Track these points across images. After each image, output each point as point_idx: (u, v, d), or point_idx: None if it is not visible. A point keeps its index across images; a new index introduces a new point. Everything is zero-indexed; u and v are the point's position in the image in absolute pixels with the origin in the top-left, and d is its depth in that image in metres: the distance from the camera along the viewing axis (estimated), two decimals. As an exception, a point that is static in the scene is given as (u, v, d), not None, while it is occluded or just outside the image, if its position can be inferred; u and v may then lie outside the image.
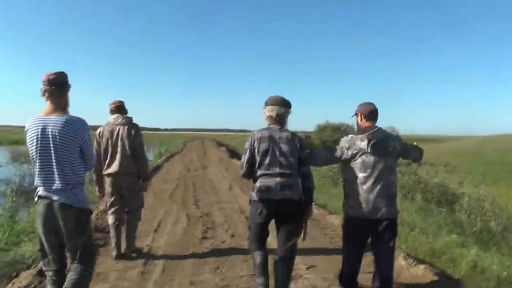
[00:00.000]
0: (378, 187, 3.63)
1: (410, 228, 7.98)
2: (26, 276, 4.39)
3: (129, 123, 5.10)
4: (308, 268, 4.90)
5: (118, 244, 5.09)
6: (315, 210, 7.90)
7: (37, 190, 3.23)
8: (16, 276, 4.57)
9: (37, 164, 3.16)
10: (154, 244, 5.85)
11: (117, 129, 5.03)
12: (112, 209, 5.13)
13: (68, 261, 3.39)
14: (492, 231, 9.15)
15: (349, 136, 3.86)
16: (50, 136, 3.11)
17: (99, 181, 5.22)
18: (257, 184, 3.71)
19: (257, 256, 3.75)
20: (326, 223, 7.53)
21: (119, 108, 5.16)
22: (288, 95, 3.89)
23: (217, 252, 5.52)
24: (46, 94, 3.19)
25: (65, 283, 3.21)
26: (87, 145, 3.28)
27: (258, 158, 3.71)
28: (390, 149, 3.72)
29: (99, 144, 5.04)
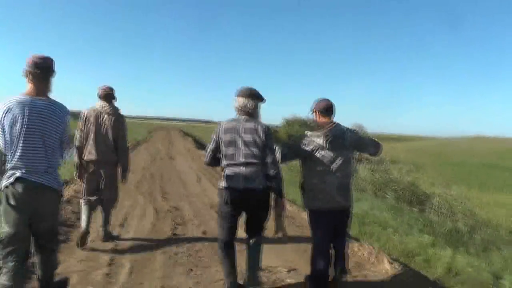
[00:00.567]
0: (336, 179, 3.81)
1: (382, 226, 7.85)
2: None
3: (116, 114, 5.13)
4: (289, 272, 4.61)
5: (88, 221, 5.02)
6: (289, 207, 7.67)
7: (10, 173, 3.08)
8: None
9: (20, 145, 3.07)
10: (120, 241, 5.41)
11: (103, 117, 5.06)
12: (88, 194, 5.11)
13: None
14: (461, 232, 9.13)
15: (308, 133, 3.98)
16: (39, 118, 3.09)
17: (80, 165, 5.14)
18: (224, 173, 3.80)
19: (224, 256, 3.85)
20: (302, 220, 7.21)
21: (108, 96, 5.17)
22: (256, 87, 3.94)
23: (189, 252, 5.13)
24: (30, 76, 3.16)
25: (46, 273, 3.27)
26: (67, 129, 3.33)
27: (223, 149, 3.80)
28: (346, 143, 3.87)
29: (83, 127, 5.05)
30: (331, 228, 3.94)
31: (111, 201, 5.33)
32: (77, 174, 5.18)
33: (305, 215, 7.25)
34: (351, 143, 3.92)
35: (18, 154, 3.07)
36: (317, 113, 4.00)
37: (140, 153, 19.12)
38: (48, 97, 3.23)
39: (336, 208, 3.89)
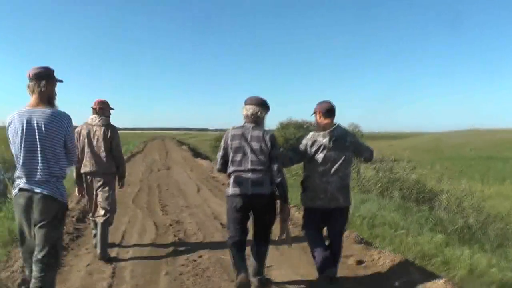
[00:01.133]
0: (336, 179, 4.04)
1: (392, 228, 7.45)
2: None
3: (106, 125, 5.19)
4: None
5: (104, 254, 5.02)
6: (296, 214, 7.38)
7: (16, 183, 3.23)
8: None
9: (21, 155, 3.17)
10: (119, 263, 4.97)
11: (94, 130, 5.14)
12: (92, 208, 5.24)
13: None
14: (472, 228, 8.76)
15: (311, 133, 4.23)
16: (36, 127, 3.12)
17: (79, 179, 5.26)
18: (231, 180, 3.92)
19: (234, 250, 3.97)
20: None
21: (99, 110, 5.25)
22: (249, 93, 4.22)
23: (195, 271, 4.69)
24: (30, 89, 3.24)
25: (35, 284, 3.18)
26: (71, 139, 3.33)
27: (231, 155, 3.93)
28: (348, 144, 4.11)
29: (77, 143, 5.08)
30: (323, 226, 4.26)
31: (110, 213, 5.24)
32: (77, 189, 5.31)
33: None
34: (351, 144, 4.15)
35: (20, 164, 3.18)
36: (320, 114, 4.19)
37: (136, 164, 18.63)
38: (49, 107, 3.25)
39: (337, 208, 4.12)
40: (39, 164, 3.17)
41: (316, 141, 4.10)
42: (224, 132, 4.29)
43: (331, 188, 4.04)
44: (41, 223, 3.18)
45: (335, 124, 4.14)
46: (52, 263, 3.27)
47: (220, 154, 4.09)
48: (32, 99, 3.26)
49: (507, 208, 11.20)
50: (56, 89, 3.42)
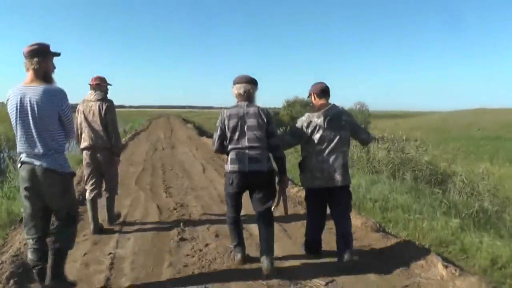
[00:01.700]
0: (333, 158, 4.13)
1: (406, 212, 7.08)
2: None
3: (102, 99, 5.26)
4: (326, 284, 3.79)
5: (95, 219, 5.27)
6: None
7: (20, 156, 3.35)
8: None
9: (18, 131, 3.29)
10: (119, 251, 4.61)
11: (90, 105, 5.23)
12: (90, 183, 5.33)
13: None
14: (487, 212, 8.37)
15: (306, 114, 4.31)
16: (28, 104, 3.21)
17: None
18: (229, 157, 4.01)
19: (233, 229, 4.21)
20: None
21: (96, 85, 5.33)
22: (254, 71, 3.92)
23: (201, 262, 4.31)
24: (25, 65, 3.32)
25: (55, 244, 3.37)
26: (66, 114, 3.36)
27: (228, 134, 3.99)
28: (343, 123, 4.20)
29: (76, 119, 5.13)
30: (325, 205, 4.34)
31: (112, 189, 5.49)
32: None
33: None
34: (347, 123, 4.23)
35: (18, 139, 3.31)
36: (314, 95, 4.35)
37: (140, 143, 18.26)
38: (44, 83, 3.31)
39: (333, 187, 4.18)
40: (35, 140, 3.26)
41: (311, 121, 4.19)
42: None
43: (327, 167, 4.15)
44: (50, 195, 3.32)
45: (329, 104, 4.26)
46: (70, 228, 3.52)
47: (217, 134, 4.12)
48: (28, 75, 3.33)
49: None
50: (54, 63, 3.48)
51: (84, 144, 5.23)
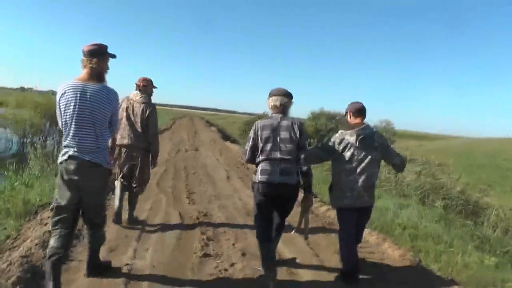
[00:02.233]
0: (363, 178, 4.15)
1: (435, 241, 6.60)
2: None
3: (146, 102, 5.38)
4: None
5: (120, 209, 5.42)
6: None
7: (65, 151, 3.44)
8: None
9: (72, 126, 3.39)
10: (136, 264, 4.23)
11: (134, 105, 5.36)
12: (122, 177, 5.48)
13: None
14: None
15: (339, 132, 4.34)
16: (89, 101, 3.37)
17: (112, 149, 5.05)
18: (259, 168, 3.98)
19: (263, 248, 4.02)
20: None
21: (142, 87, 5.45)
22: (281, 81, 3.69)
23: (225, 283, 3.92)
24: (83, 63, 3.47)
25: (87, 244, 3.76)
26: (116, 114, 3.64)
27: (260, 145, 3.98)
28: (376, 144, 4.22)
29: None
30: (355, 225, 4.30)
31: (139, 186, 5.55)
32: (111, 155, 5.25)
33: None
34: (379, 146, 4.25)
35: (71, 134, 3.40)
36: (350, 114, 4.39)
37: (164, 142, 17.92)
38: (99, 82, 3.48)
39: (362, 206, 4.25)
40: (88, 136, 3.41)
41: (343, 139, 4.22)
42: (253, 116, 4.24)
43: (357, 186, 4.16)
44: (89, 189, 3.47)
45: (364, 124, 4.28)
46: (101, 222, 3.75)
47: (249, 145, 4.11)
48: (83, 73, 3.48)
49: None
50: (109, 64, 3.65)
51: (122, 141, 5.31)
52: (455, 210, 10.37)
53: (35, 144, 11.37)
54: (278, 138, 3.96)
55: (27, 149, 11.97)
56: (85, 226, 3.77)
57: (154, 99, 5.67)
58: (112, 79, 3.72)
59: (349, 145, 4.17)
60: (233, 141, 21.84)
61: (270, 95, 4.18)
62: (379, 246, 5.57)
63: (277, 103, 4.10)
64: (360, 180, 4.15)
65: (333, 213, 6.99)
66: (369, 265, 4.76)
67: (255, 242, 4.20)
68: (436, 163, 12.40)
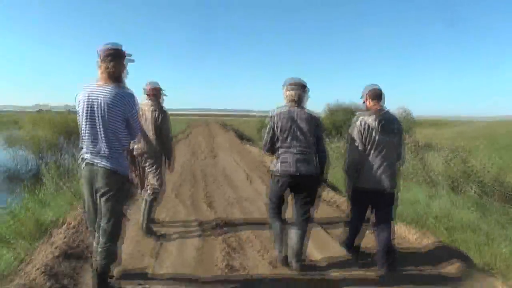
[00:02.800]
0: (385, 163, 4.14)
1: (473, 231, 6.16)
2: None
3: (158, 109, 5.31)
4: None
5: (148, 217, 5.30)
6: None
7: (82, 157, 3.46)
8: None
9: (85, 131, 3.37)
10: (153, 284, 3.81)
11: (146, 113, 5.27)
12: (140, 186, 5.52)
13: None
14: None
15: (359, 117, 4.24)
16: (98, 105, 3.29)
17: (131, 158, 5.31)
18: (278, 159, 4.06)
19: (277, 226, 4.23)
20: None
21: (153, 95, 5.39)
22: (296, 74, 4.17)
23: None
24: (98, 65, 3.38)
25: (97, 262, 3.45)
26: (133, 117, 3.45)
27: (279, 135, 4.02)
28: (396, 130, 4.24)
29: None
30: (367, 206, 4.40)
31: (154, 194, 5.39)
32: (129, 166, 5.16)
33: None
34: (398, 131, 4.27)
35: (85, 138, 3.38)
36: (368, 98, 4.36)
37: (180, 149, 17.56)
38: (115, 84, 3.36)
39: (379, 190, 4.20)
40: (101, 140, 3.33)
41: (364, 123, 4.17)
42: (267, 113, 4.31)
43: (377, 170, 4.17)
44: (106, 196, 3.37)
45: (384, 108, 4.29)
46: (116, 233, 3.50)
47: (269, 135, 4.14)
48: (99, 76, 3.38)
49: None
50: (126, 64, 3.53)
51: (137, 150, 5.29)
52: (492, 197, 9.78)
53: (48, 163, 11.29)
54: (297, 130, 4.01)
55: (43, 168, 11.87)
56: (100, 236, 3.52)
57: (167, 106, 5.54)
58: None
59: (370, 129, 4.15)
60: (252, 143, 21.31)
61: (285, 85, 4.22)
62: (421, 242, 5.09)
63: (295, 97, 4.13)
64: (380, 165, 4.17)
65: (340, 198, 7.35)
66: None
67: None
68: (467, 148, 11.71)
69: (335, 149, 14.47)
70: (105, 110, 3.29)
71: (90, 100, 3.31)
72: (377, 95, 4.32)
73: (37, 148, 18.09)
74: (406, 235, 5.42)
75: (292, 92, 4.14)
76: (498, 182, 10.15)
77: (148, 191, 5.37)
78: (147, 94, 5.42)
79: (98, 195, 3.41)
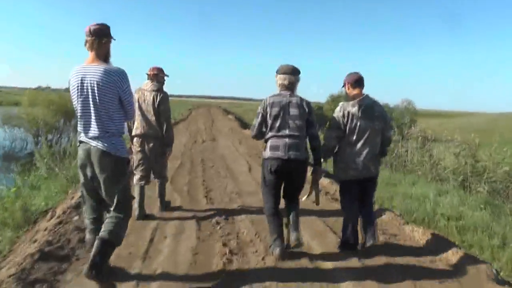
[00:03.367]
0: (367, 149, 4.19)
1: (486, 232, 5.80)
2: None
3: (157, 90, 5.32)
4: None
5: (141, 205, 5.30)
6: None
7: (79, 135, 3.37)
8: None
9: (78, 111, 3.30)
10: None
11: (145, 94, 5.30)
12: (139, 169, 5.37)
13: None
14: None
15: (340, 104, 4.31)
16: (89, 85, 3.22)
17: (132, 138, 5.42)
18: (268, 144, 4.11)
19: (272, 220, 4.17)
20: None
21: (154, 76, 5.41)
22: (298, 64, 4.19)
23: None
24: (87, 44, 3.31)
25: (101, 232, 3.25)
26: (125, 95, 3.36)
27: (269, 121, 4.08)
28: (377, 114, 4.24)
29: None
30: (357, 196, 4.35)
31: (162, 177, 5.53)
32: (129, 148, 5.29)
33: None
34: (380, 115, 4.23)
35: (79, 119, 3.32)
36: (348, 85, 4.33)
37: (179, 134, 17.05)
38: (104, 63, 3.30)
39: (367, 177, 4.27)
40: (93, 121, 3.24)
41: (345, 111, 4.16)
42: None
43: (362, 157, 4.17)
44: (102, 177, 3.27)
45: (364, 94, 4.25)
46: (120, 216, 3.34)
47: (258, 121, 4.19)
48: (90, 55, 3.31)
49: None
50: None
51: (136, 131, 5.30)
52: (503, 194, 9.35)
53: (41, 144, 10.92)
54: (287, 115, 4.03)
55: (38, 148, 11.52)
56: (108, 212, 3.42)
57: (169, 89, 5.53)
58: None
59: (351, 116, 4.15)
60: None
61: (278, 72, 4.23)
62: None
63: (285, 82, 4.15)
64: (365, 151, 4.18)
65: (335, 186, 7.10)
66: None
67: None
68: (477, 142, 11.19)
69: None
70: (96, 90, 3.21)
71: (81, 80, 3.24)
72: (357, 81, 4.30)
73: (33, 127, 17.76)
74: (416, 236, 4.97)
75: (285, 79, 4.16)
76: (509, 181, 9.67)
77: (156, 177, 5.47)
78: (148, 74, 5.44)
79: (92, 175, 3.32)
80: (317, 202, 4.52)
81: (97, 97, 3.23)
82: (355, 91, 4.28)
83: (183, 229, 4.96)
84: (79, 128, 3.35)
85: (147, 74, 5.46)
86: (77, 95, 3.26)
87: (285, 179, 4.19)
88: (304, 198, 4.47)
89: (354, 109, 4.14)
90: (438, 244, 4.61)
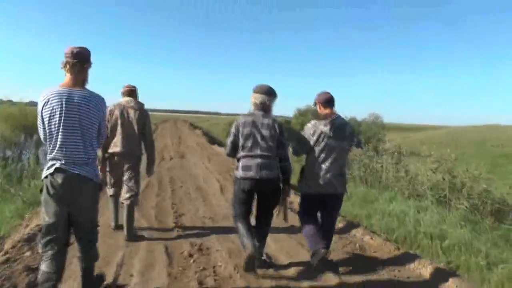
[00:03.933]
0: (334, 167, 4.31)
1: (470, 251, 5.46)
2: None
3: (141, 109, 5.27)
4: None
5: (117, 216, 5.41)
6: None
7: (50, 164, 3.13)
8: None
9: (59, 136, 3.09)
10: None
11: (128, 112, 5.19)
12: (116, 185, 5.29)
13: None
14: None
15: (312, 122, 4.43)
16: (78, 109, 3.11)
17: (103, 159, 5.25)
18: (240, 164, 4.12)
19: (241, 224, 4.13)
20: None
21: (131, 92, 5.35)
22: (265, 79, 3.31)
23: None
24: (67, 67, 3.17)
25: (82, 263, 3.33)
26: (104, 120, 3.36)
27: (241, 141, 4.12)
28: (347, 134, 4.39)
29: (108, 122, 5.05)
30: (317, 210, 4.50)
31: (134, 196, 5.28)
32: (101, 167, 5.11)
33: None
34: (349, 135, 4.41)
35: (58, 145, 3.10)
36: (320, 105, 4.46)
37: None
38: (85, 88, 3.24)
39: (329, 193, 4.36)
40: (78, 146, 3.14)
41: (317, 129, 4.28)
42: (236, 116, 3.67)
43: (328, 175, 4.27)
44: (81, 204, 3.17)
45: (336, 114, 4.37)
46: (94, 239, 3.36)
47: (230, 139, 4.22)
48: (67, 78, 3.18)
49: None
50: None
51: (115, 149, 5.12)
52: (481, 211, 9.11)
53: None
54: (259, 135, 4.06)
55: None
56: (77, 245, 3.33)
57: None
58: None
59: (322, 135, 4.26)
60: (221, 145, 20.27)
61: (253, 91, 4.25)
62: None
63: (258, 101, 4.19)
64: (331, 169, 4.28)
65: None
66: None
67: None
68: (453, 156, 11.00)
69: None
70: (85, 115, 3.13)
71: (65, 103, 3.06)
72: (327, 101, 4.40)
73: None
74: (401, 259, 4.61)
75: (258, 99, 4.19)
76: (486, 197, 9.47)
77: (127, 195, 5.19)
78: (123, 94, 5.34)
79: (69, 204, 3.12)
80: (285, 218, 4.48)
81: (85, 123, 3.14)
82: (326, 110, 4.39)
83: (152, 264, 4.37)
84: (57, 154, 3.10)
85: (122, 92, 5.35)
86: (60, 118, 3.07)
87: (259, 197, 4.22)
88: (275, 214, 4.44)
89: (326, 128, 4.26)
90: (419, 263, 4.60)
